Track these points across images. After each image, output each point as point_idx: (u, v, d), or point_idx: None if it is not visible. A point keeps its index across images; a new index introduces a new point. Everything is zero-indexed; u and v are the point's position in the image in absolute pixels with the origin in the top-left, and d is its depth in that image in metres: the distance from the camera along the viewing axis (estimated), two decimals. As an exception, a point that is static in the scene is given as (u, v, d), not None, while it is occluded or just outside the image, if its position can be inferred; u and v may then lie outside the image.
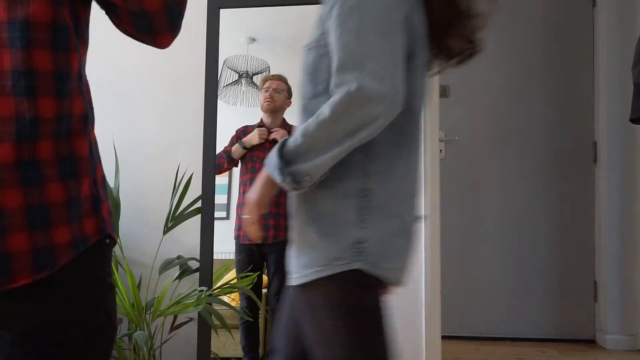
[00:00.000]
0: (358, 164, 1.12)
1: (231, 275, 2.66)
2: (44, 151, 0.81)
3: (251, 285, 2.43)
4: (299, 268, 1.15)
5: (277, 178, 1.11)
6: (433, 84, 2.19)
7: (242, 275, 2.56)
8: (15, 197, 0.78)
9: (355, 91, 1.02)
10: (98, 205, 0.88)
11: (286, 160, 1.10)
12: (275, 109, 2.71)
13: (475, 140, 3.78)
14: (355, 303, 1.12)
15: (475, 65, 4.04)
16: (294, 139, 1.10)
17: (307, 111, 1.15)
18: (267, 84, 2.73)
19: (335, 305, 1.11)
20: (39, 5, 0.81)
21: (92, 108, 0.90)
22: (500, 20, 3.87)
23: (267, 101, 2.71)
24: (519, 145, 3.74)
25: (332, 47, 1.09)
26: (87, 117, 0.88)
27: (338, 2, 1.09)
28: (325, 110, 1.05)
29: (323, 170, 1.10)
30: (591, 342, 3.57)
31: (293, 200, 1.19)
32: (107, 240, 0.90)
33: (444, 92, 3.74)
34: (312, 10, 2.65)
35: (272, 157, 1.13)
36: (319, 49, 1.14)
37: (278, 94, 2.71)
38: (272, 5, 2.70)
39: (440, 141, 3.44)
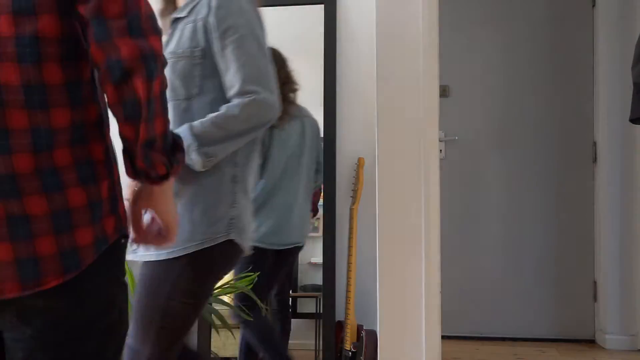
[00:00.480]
0: (230, 155, 1.41)
1: (231, 275, 2.66)
2: (60, 159, 0.83)
3: (251, 286, 2.43)
4: (177, 242, 1.33)
5: (190, 155, 1.33)
6: (433, 84, 2.20)
7: (242, 275, 2.56)
8: (39, 203, 0.81)
9: (261, 99, 1.37)
10: (116, 205, 0.92)
11: (200, 142, 1.34)
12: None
13: (475, 140, 3.78)
14: (223, 268, 1.46)
15: (475, 65, 4.03)
16: (203, 127, 1.35)
17: (183, 109, 1.42)
18: None
19: (207, 271, 1.41)
20: (48, 20, 0.81)
21: (107, 111, 0.92)
22: (501, 20, 3.89)
23: None
24: (518, 145, 3.74)
25: (228, 62, 1.39)
26: (101, 122, 0.90)
27: (231, 28, 1.38)
28: (235, 109, 1.36)
29: (225, 154, 1.39)
30: (591, 342, 3.57)
31: (177, 183, 1.37)
32: (123, 240, 0.94)
33: (444, 92, 3.74)
34: (312, 10, 2.66)
35: (183, 137, 1.30)
36: (192, 59, 1.41)
37: None
38: (272, 5, 2.70)
39: (440, 141, 3.44)
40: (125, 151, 0.90)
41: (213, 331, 2.51)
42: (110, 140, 0.93)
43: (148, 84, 0.84)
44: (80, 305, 0.87)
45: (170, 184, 0.99)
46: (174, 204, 1.03)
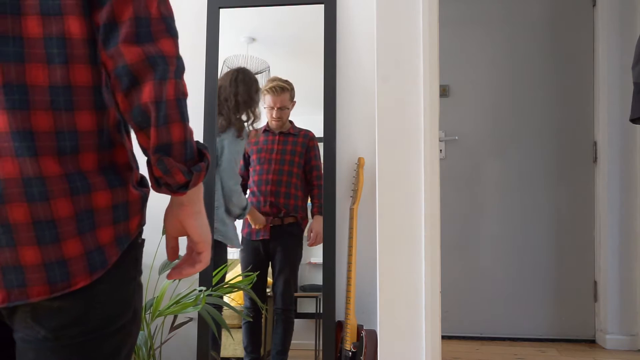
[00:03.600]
0: None
1: (231, 275, 2.66)
2: (86, 163, 0.83)
3: (251, 285, 2.43)
4: None
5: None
6: (433, 84, 2.19)
7: (244, 274, 2.56)
8: (66, 206, 0.81)
9: None
10: (144, 203, 0.92)
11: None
12: (283, 124, 2.73)
13: (475, 140, 3.78)
14: None
15: (475, 65, 4.02)
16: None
17: None
18: (270, 101, 2.71)
19: None
20: (73, 21, 0.81)
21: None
22: (501, 20, 3.89)
23: (274, 121, 2.71)
24: (519, 145, 3.74)
25: None
26: (120, 126, 0.89)
27: None
28: None
29: None
30: (591, 342, 3.57)
31: None
32: (140, 240, 0.93)
33: (444, 92, 3.74)
34: (312, 10, 2.66)
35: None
36: None
37: (284, 111, 2.72)
38: (272, 5, 2.70)
39: (440, 141, 3.44)
40: (147, 162, 0.88)
41: (213, 331, 2.50)
42: (131, 144, 0.93)
43: (157, 88, 0.82)
44: (96, 306, 0.86)
45: (199, 198, 0.95)
46: (206, 221, 0.96)
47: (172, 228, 0.96)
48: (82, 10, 0.82)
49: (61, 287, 0.82)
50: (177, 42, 0.86)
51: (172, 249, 0.98)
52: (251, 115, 2.69)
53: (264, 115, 2.73)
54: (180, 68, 0.86)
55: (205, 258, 0.97)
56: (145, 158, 0.89)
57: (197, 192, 0.94)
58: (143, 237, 0.96)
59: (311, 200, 2.69)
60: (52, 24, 0.80)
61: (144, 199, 0.91)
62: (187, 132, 0.87)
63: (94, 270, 0.84)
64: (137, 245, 0.92)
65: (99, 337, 0.87)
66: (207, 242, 0.97)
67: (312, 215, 2.67)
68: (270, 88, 2.70)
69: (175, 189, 0.88)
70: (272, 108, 2.70)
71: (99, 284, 0.86)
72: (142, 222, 0.92)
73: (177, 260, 1.02)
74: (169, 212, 0.95)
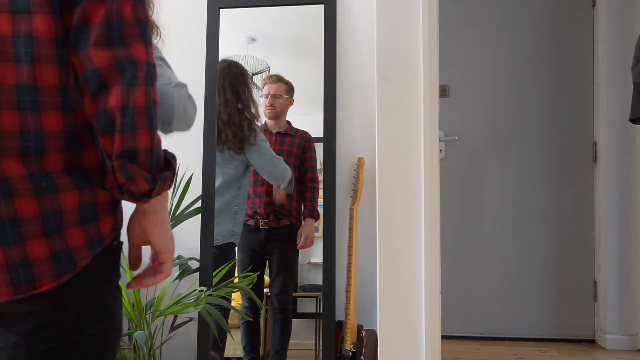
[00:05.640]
0: None
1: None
2: (52, 164, 0.81)
3: (251, 285, 2.43)
4: None
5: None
6: (433, 84, 2.20)
7: (242, 275, 2.56)
8: (31, 206, 0.79)
9: None
10: (115, 207, 0.89)
11: None
12: (276, 115, 2.72)
13: (475, 140, 3.78)
14: None
15: (475, 65, 4.01)
16: None
17: None
18: (265, 89, 2.72)
19: None
20: (41, 19, 0.79)
21: None
22: (501, 20, 3.89)
23: (267, 109, 2.71)
24: (518, 145, 3.74)
25: None
26: (91, 127, 0.87)
27: None
28: None
29: None
30: (591, 342, 3.57)
31: None
32: (116, 242, 0.90)
33: (444, 92, 3.74)
34: (312, 10, 2.66)
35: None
36: None
37: (277, 99, 2.71)
38: (272, 5, 2.70)
39: (440, 141, 3.44)
40: (110, 168, 0.86)
41: (213, 331, 2.50)
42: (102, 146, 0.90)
43: (124, 93, 0.80)
44: (68, 309, 0.83)
45: (164, 207, 0.93)
46: (170, 230, 0.95)
47: (135, 236, 0.93)
48: (51, 8, 0.80)
49: (25, 289, 0.79)
50: (149, 49, 0.84)
51: (134, 258, 0.96)
52: (253, 115, 2.65)
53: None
54: (150, 75, 0.83)
55: (167, 268, 0.95)
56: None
57: (162, 201, 0.92)
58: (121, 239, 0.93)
59: (303, 202, 2.69)
60: (21, 22, 0.79)
61: (117, 200, 0.89)
62: (154, 140, 0.85)
63: (62, 273, 0.80)
64: (112, 248, 0.89)
65: (73, 341, 0.84)
66: (170, 252, 0.95)
67: (303, 218, 2.67)
68: (265, 77, 2.71)
69: (138, 197, 0.86)
70: (266, 96, 2.71)
71: (71, 287, 0.83)
72: (117, 225, 0.89)
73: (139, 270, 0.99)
74: (132, 220, 0.93)
